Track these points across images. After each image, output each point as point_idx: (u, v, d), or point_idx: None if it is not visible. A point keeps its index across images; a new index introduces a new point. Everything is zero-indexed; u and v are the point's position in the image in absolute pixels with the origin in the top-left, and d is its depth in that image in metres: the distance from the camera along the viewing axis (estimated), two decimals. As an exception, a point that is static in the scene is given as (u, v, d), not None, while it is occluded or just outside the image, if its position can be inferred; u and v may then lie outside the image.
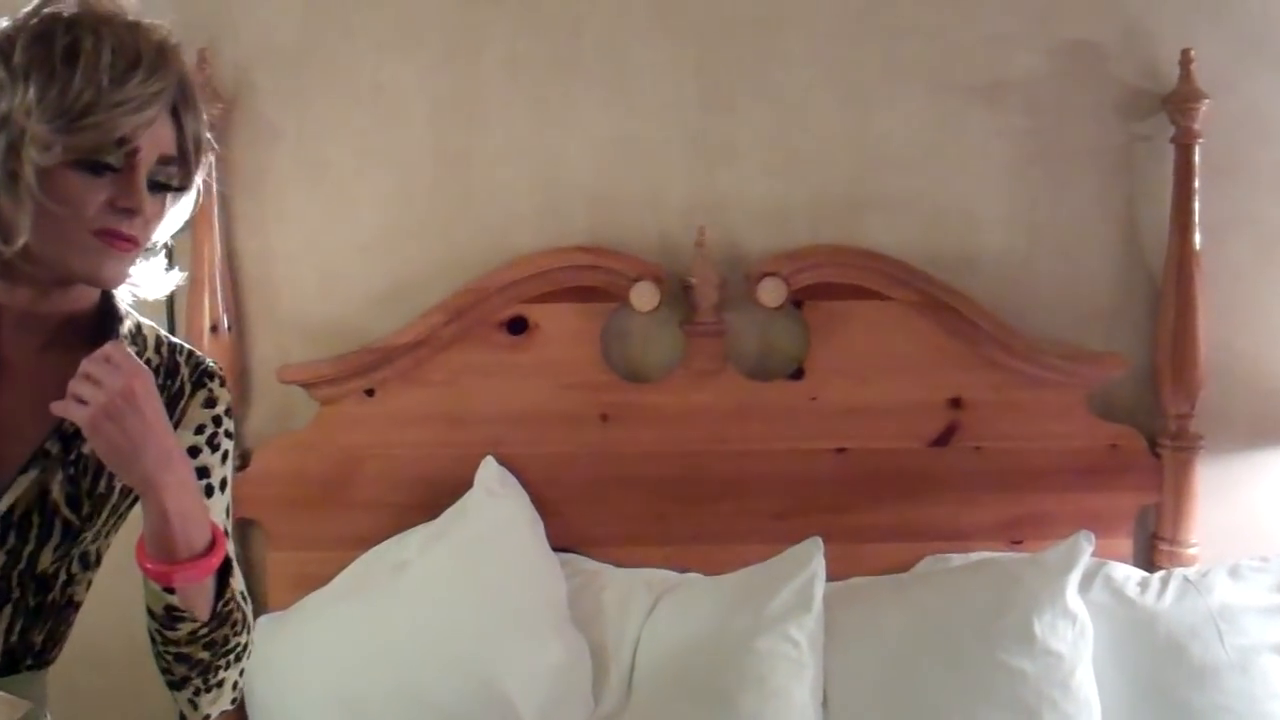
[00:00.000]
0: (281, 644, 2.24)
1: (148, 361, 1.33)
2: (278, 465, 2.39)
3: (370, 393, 2.39)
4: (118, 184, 1.21)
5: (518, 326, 2.40)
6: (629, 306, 2.39)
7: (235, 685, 1.35)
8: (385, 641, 2.18)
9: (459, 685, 2.14)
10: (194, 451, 1.34)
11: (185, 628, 1.26)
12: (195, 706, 1.34)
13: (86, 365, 1.18)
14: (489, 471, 2.36)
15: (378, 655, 2.16)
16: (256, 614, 2.31)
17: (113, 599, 1.51)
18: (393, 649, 2.16)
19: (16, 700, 1.27)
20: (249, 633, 1.35)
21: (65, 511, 1.27)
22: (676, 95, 2.46)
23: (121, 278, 1.28)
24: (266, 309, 2.45)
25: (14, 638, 1.28)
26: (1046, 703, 2.11)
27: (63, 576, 1.31)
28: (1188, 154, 2.40)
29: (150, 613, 1.27)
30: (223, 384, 1.40)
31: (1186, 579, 2.31)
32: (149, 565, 1.22)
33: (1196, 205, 2.40)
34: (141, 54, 1.21)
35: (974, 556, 2.39)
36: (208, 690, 1.32)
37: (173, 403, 1.35)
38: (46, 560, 1.28)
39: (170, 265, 1.39)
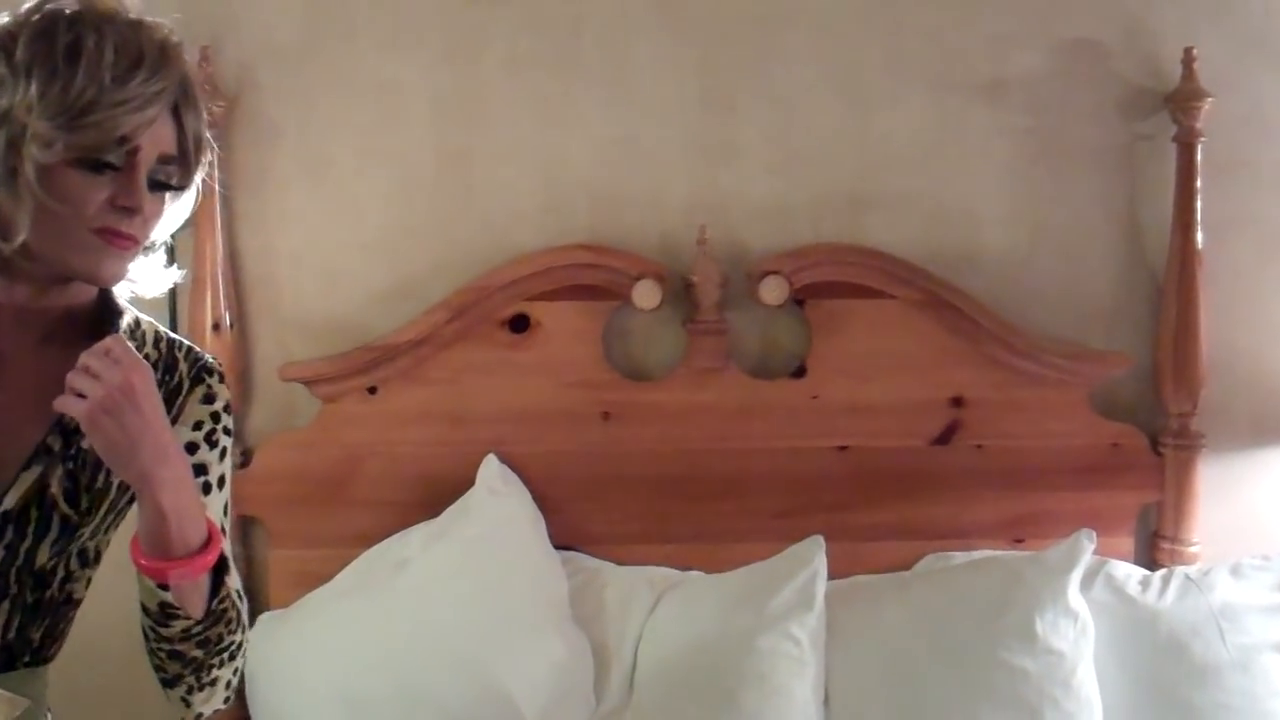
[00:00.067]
0: (283, 642, 2.25)
1: (146, 357, 1.32)
2: (279, 463, 2.39)
3: (372, 391, 2.39)
4: (118, 182, 1.21)
5: (519, 325, 2.40)
6: (631, 305, 2.39)
7: (228, 684, 1.35)
8: (386, 639, 2.17)
9: (460, 683, 2.14)
10: (192, 448, 1.34)
11: (179, 625, 1.25)
12: (188, 705, 1.33)
13: (86, 358, 1.17)
14: (490, 470, 2.36)
15: (379, 653, 2.16)
16: (258, 612, 2.35)
17: (113, 596, 1.51)
18: (394, 647, 2.16)
19: (15, 698, 1.27)
20: (244, 631, 1.34)
21: (63, 507, 1.27)
22: (678, 94, 2.46)
23: (121, 276, 1.28)
24: (268, 307, 2.46)
25: (12, 634, 1.28)
26: (1048, 701, 2.11)
27: (61, 573, 1.31)
28: (1190, 153, 2.40)
29: (144, 609, 1.26)
30: (221, 380, 1.40)
31: (1188, 577, 2.31)
32: (144, 561, 1.21)
33: (1198, 204, 2.40)
34: (144, 53, 1.21)
35: (975, 555, 2.39)
36: (200, 688, 1.32)
37: (171, 399, 1.34)
38: (44, 556, 1.28)
39: (170, 262, 1.39)
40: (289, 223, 2.45)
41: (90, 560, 1.35)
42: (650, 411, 2.42)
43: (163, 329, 1.41)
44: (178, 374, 1.37)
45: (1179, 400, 2.44)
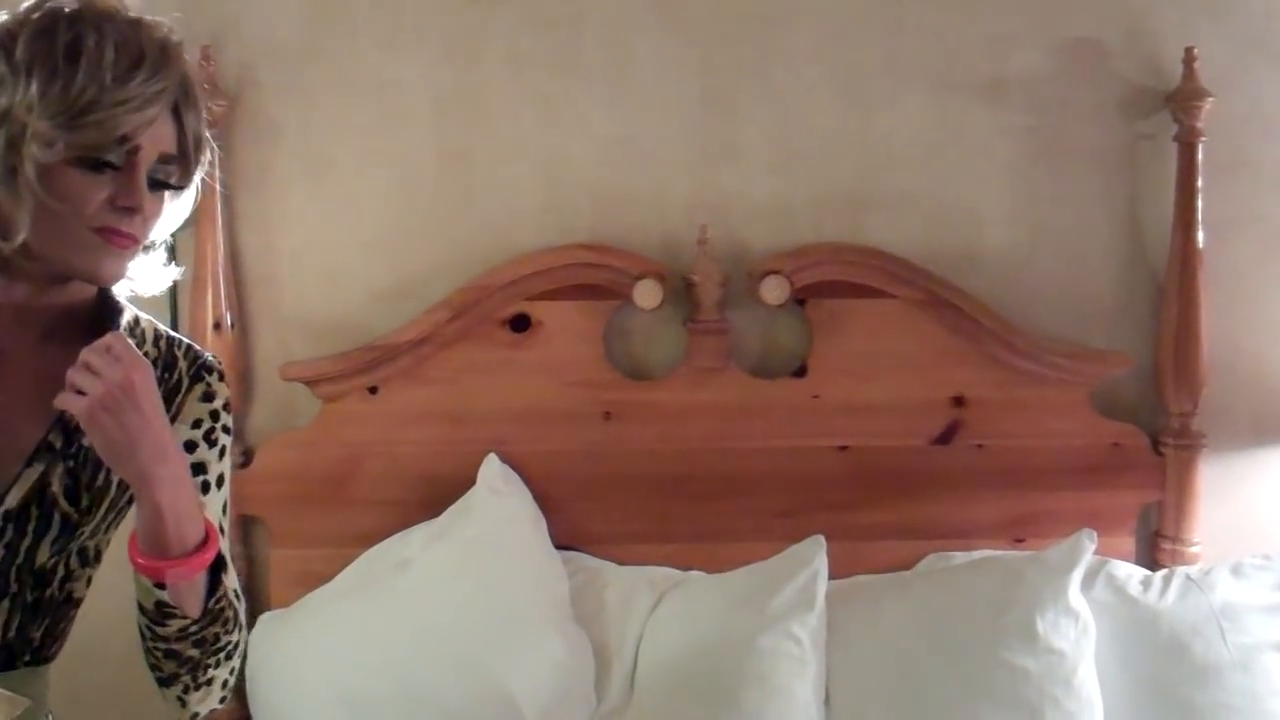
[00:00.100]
0: (284, 641, 2.25)
1: (145, 355, 1.31)
2: (280, 463, 2.39)
3: (373, 390, 2.39)
4: (118, 182, 1.21)
5: (520, 324, 2.40)
6: (632, 304, 2.39)
7: (225, 684, 1.34)
8: (387, 639, 2.17)
9: (461, 683, 2.13)
10: (190, 446, 1.33)
11: (175, 624, 1.25)
12: (183, 704, 1.33)
13: (87, 355, 1.17)
14: (491, 469, 2.36)
15: (380, 653, 2.16)
16: (258, 611, 2.35)
17: (115, 596, 1.50)
18: (395, 646, 2.16)
19: (16, 697, 1.27)
20: (241, 631, 1.34)
21: (64, 505, 1.27)
22: (679, 93, 2.46)
23: (120, 275, 1.27)
24: (269, 306, 2.46)
25: (12, 633, 1.28)
26: (1049, 701, 2.11)
27: (61, 572, 1.30)
28: (1191, 152, 2.40)
29: (141, 608, 1.26)
30: (221, 378, 1.39)
31: (1189, 577, 2.31)
32: (141, 560, 1.21)
33: (1199, 203, 2.40)
34: (145, 52, 1.21)
35: (976, 554, 2.39)
36: (196, 688, 1.31)
37: (169, 397, 1.33)
38: (44, 555, 1.27)
39: (169, 261, 1.39)
40: (290, 222, 2.45)
41: (90, 559, 1.34)
42: (651, 411, 2.42)
43: (162, 327, 1.40)
44: (177, 372, 1.37)
45: (1180, 400, 2.44)
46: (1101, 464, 2.44)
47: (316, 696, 2.16)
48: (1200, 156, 2.40)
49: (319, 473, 2.39)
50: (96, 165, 1.20)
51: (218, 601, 1.27)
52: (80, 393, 1.16)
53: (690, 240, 2.40)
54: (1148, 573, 2.35)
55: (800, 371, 2.44)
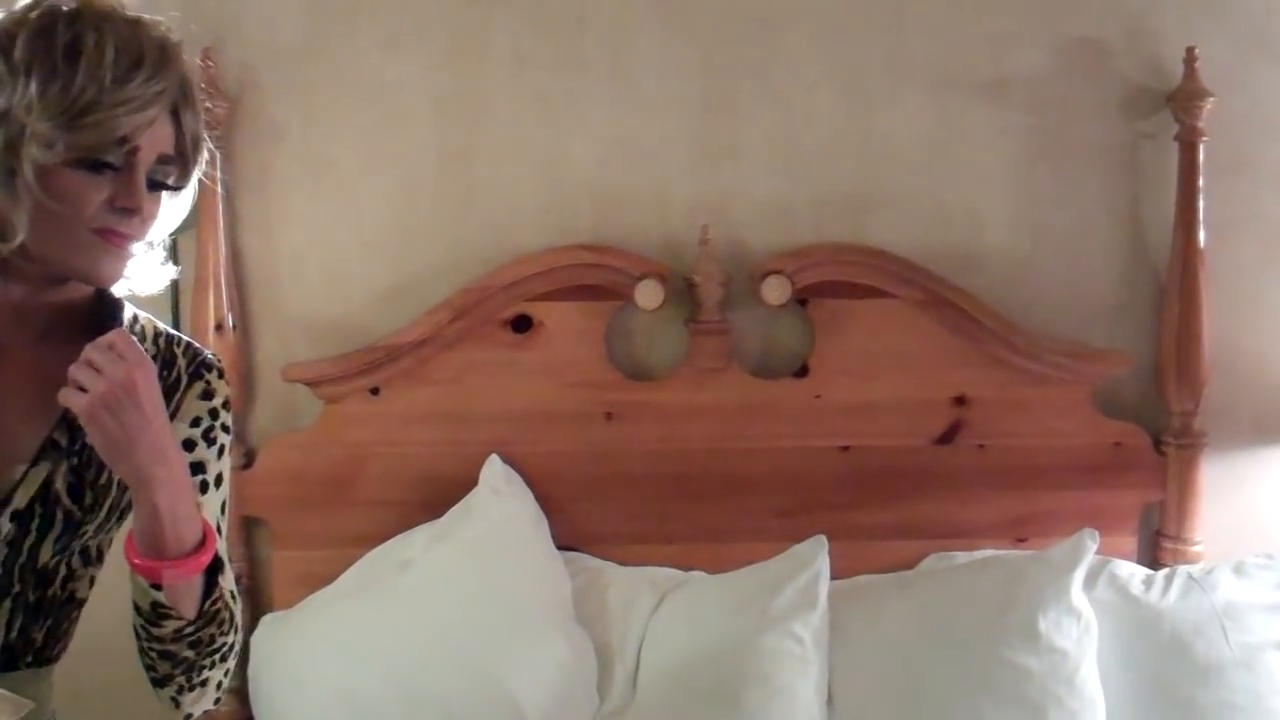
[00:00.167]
0: (286, 643, 2.25)
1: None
2: (282, 464, 2.39)
3: (375, 391, 2.39)
4: (117, 183, 1.21)
5: (522, 325, 2.40)
6: (633, 305, 2.39)
7: (219, 685, 1.34)
8: (390, 640, 2.17)
9: (463, 683, 2.14)
10: (189, 445, 1.33)
11: (170, 625, 1.25)
12: (177, 705, 1.33)
13: (90, 351, 1.17)
14: (493, 470, 2.36)
15: (382, 653, 2.16)
16: (261, 613, 2.35)
17: (119, 596, 1.49)
18: (397, 647, 2.16)
19: (18, 699, 1.27)
20: (236, 633, 1.33)
21: (66, 502, 1.27)
22: (680, 94, 2.46)
23: (119, 275, 1.27)
24: (271, 308, 2.46)
25: (13, 634, 1.28)
26: (1051, 700, 2.11)
27: (63, 571, 1.30)
28: (1192, 151, 2.40)
29: (136, 608, 1.26)
30: (221, 376, 1.39)
31: (1191, 576, 2.31)
32: (137, 561, 1.21)
33: (1201, 203, 2.40)
34: (144, 53, 1.20)
35: (978, 554, 2.39)
36: (191, 689, 1.31)
37: (168, 394, 1.33)
38: (47, 553, 1.27)
39: (167, 260, 1.38)
40: (291, 223, 2.45)
41: (93, 559, 1.34)
42: (653, 411, 2.42)
43: (160, 324, 1.40)
44: (176, 370, 1.36)
45: (1181, 399, 2.43)
46: (1103, 463, 2.44)
47: (319, 697, 2.16)
48: (1201, 156, 2.40)
49: (321, 474, 2.39)
50: (95, 166, 1.19)
51: (213, 603, 1.27)
52: (82, 389, 1.16)
53: (691, 240, 2.40)
54: (1150, 572, 2.35)
55: (802, 372, 2.44)
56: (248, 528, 2.43)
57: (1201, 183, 2.40)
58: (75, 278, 1.27)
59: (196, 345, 1.40)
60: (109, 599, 1.42)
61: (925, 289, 2.41)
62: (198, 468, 1.33)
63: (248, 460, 2.40)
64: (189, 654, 1.28)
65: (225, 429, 1.38)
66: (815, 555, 2.26)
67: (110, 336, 1.18)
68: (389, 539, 2.34)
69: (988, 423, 2.43)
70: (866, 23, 2.46)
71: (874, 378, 2.42)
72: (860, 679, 2.21)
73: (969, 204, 2.49)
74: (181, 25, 1.28)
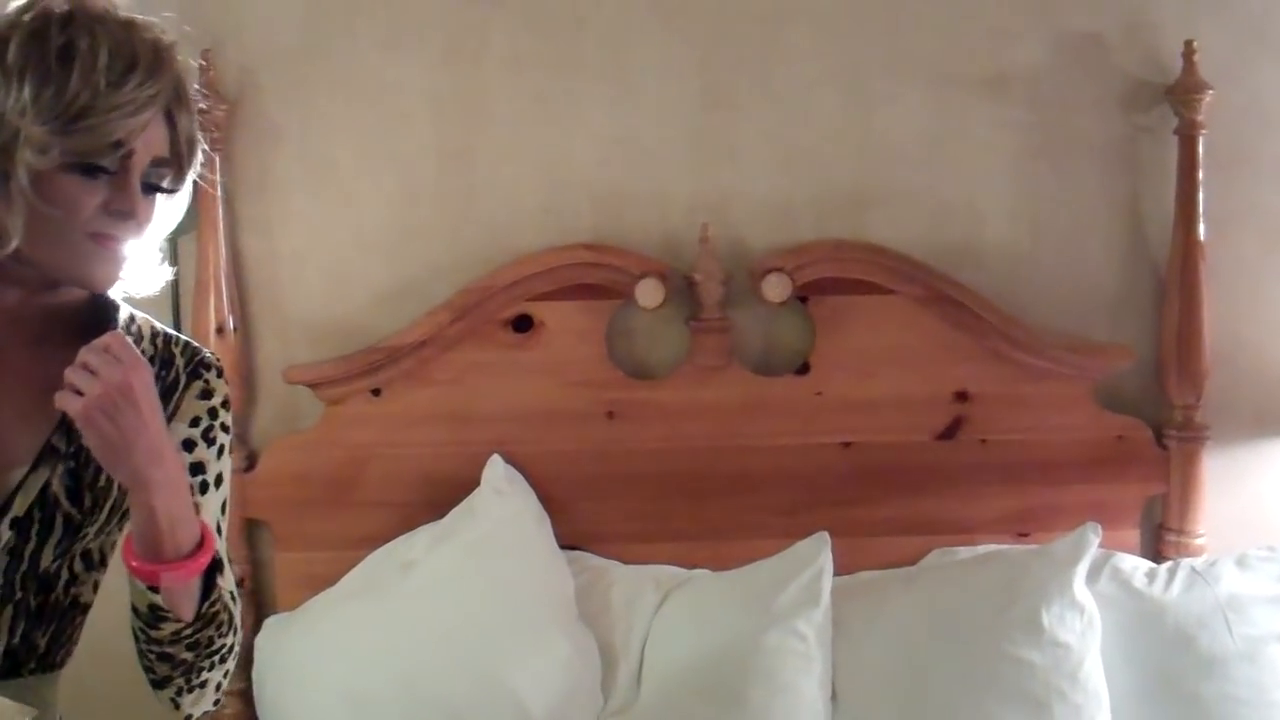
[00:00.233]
0: (290, 644, 2.25)
1: (142, 353, 1.29)
2: (284, 466, 2.39)
3: (376, 392, 2.39)
4: (112, 187, 1.20)
5: (523, 325, 2.41)
6: (634, 303, 2.39)
7: (219, 686, 1.34)
8: (393, 640, 2.18)
9: (467, 683, 2.14)
10: (189, 445, 1.32)
11: (168, 627, 1.24)
12: (177, 706, 1.32)
13: (85, 354, 1.16)
14: (495, 470, 2.36)
15: (386, 654, 2.16)
16: (264, 614, 2.35)
17: (123, 599, 1.50)
18: (401, 648, 2.17)
19: (21, 707, 1.26)
20: (236, 634, 1.33)
21: (66, 505, 1.26)
22: (679, 92, 2.46)
23: (114, 280, 1.26)
24: (272, 310, 2.46)
25: (16, 640, 1.27)
26: (1055, 694, 2.11)
27: (65, 576, 1.30)
28: (1191, 145, 2.40)
29: (134, 610, 1.25)
30: (220, 375, 1.38)
31: (1194, 569, 2.31)
32: (135, 563, 1.20)
33: (1200, 196, 2.40)
34: (138, 55, 1.19)
35: (981, 549, 2.39)
36: (190, 690, 1.31)
37: (167, 394, 1.32)
38: (48, 559, 1.27)
39: (163, 261, 1.37)
40: (291, 225, 2.45)
41: (95, 563, 1.34)
42: (654, 410, 2.42)
43: (158, 325, 1.39)
44: (174, 369, 1.36)
45: (1183, 393, 2.43)
46: (1105, 457, 2.44)
47: (323, 699, 2.17)
48: (1201, 149, 2.39)
49: (323, 475, 2.39)
50: (90, 170, 1.19)
51: (212, 605, 1.26)
52: (78, 392, 1.15)
53: (691, 239, 2.40)
54: (1153, 565, 2.35)
55: (803, 369, 2.44)
56: (250, 530, 2.43)
57: (1201, 176, 2.39)
58: (70, 282, 1.26)
59: (195, 344, 1.39)
60: (112, 602, 1.42)
61: (926, 285, 2.41)
62: (197, 468, 1.32)
63: (250, 462, 2.40)
64: (188, 656, 1.28)
65: (225, 428, 1.37)
66: (818, 552, 2.26)
67: (106, 339, 1.18)
68: (391, 540, 2.34)
69: (989, 418, 2.43)
70: (865, 20, 2.46)
71: (875, 374, 2.42)
72: (864, 675, 2.21)
73: (969, 200, 2.49)
74: (177, 27, 1.27)
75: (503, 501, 2.33)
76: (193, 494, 1.29)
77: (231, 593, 1.31)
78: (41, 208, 1.18)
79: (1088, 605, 2.18)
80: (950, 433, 2.44)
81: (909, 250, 2.42)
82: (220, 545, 1.32)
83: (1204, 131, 2.39)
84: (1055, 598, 2.16)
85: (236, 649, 1.34)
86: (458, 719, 2.12)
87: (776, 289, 2.38)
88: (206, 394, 1.36)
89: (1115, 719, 2.15)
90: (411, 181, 2.45)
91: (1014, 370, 2.43)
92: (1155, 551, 2.47)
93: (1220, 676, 2.18)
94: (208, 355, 1.39)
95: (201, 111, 1.30)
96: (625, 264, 2.38)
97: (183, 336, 1.40)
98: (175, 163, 1.25)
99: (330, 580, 2.31)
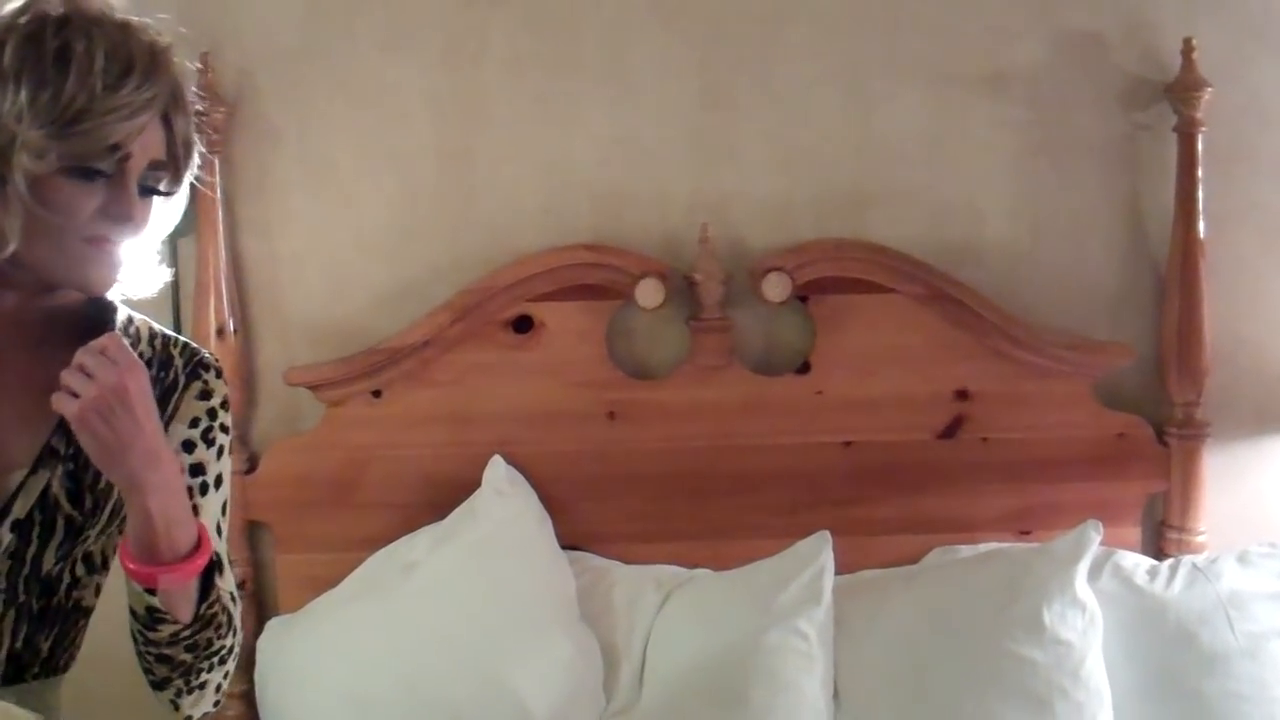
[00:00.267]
0: (292, 646, 2.25)
1: (140, 354, 1.31)
2: (285, 468, 2.39)
3: (377, 394, 2.39)
4: (109, 190, 1.20)
5: (523, 325, 2.41)
6: (634, 304, 2.39)
7: (218, 688, 1.34)
8: (395, 642, 2.18)
9: (470, 684, 2.14)
10: (189, 446, 1.33)
11: (166, 629, 1.24)
12: (176, 707, 1.33)
13: (81, 356, 1.16)
14: (496, 471, 2.36)
15: (388, 656, 2.16)
16: (266, 617, 2.35)
17: (125, 602, 1.51)
18: (403, 649, 2.17)
19: (26, 713, 1.26)
20: (235, 635, 1.33)
21: (67, 507, 1.27)
22: (679, 92, 2.46)
23: (111, 283, 1.26)
24: (272, 312, 2.46)
25: (19, 643, 1.28)
26: (1057, 692, 2.11)
27: (67, 579, 1.30)
28: (1190, 143, 2.40)
29: (132, 612, 1.26)
30: (218, 375, 1.38)
31: (1195, 566, 2.31)
32: (132, 566, 1.21)
33: (1200, 194, 2.39)
34: (134, 59, 1.19)
35: (982, 547, 2.39)
36: (189, 691, 1.31)
37: (166, 396, 1.33)
38: (50, 561, 1.27)
39: (162, 261, 1.37)
40: (291, 227, 2.45)
41: (97, 566, 1.34)
42: (655, 410, 2.42)
43: (156, 325, 1.39)
44: (172, 370, 1.36)
45: (1183, 390, 2.43)
46: (1106, 455, 2.44)
47: (325, 701, 2.17)
48: (1200, 147, 2.39)
49: (324, 477, 2.39)
50: (87, 174, 1.19)
51: (210, 606, 1.26)
52: (74, 394, 1.15)
53: (691, 239, 2.40)
54: (1154, 562, 2.35)
55: (803, 368, 2.44)
56: (251, 532, 2.43)
57: (1200, 174, 2.39)
58: (67, 286, 1.26)
59: (194, 345, 1.40)
60: (114, 606, 1.42)
61: (926, 284, 2.41)
62: (197, 469, 1.33)
63: (251, 464, 2.40)
64: (186, 657, 1.28)
65: (224, 429, 1.37)
66: (819, 551, 2.27)
67: (102, 340, 1.18)
68: (393, 541, 2.34)
69: (990, 416, 2.43)
70: (863, 19, 2.46)
71: (875, 373, 2.42)
72: (866, 674, 2.21)
73: (968, 198, 2.49)
74: (173, 28, 1.27)
75: (504, 502, 2.33)
76: (193, 495, 1.30)
77: (231, 594, 1.32)
78: (39, 212, 1.18)
79: (1089, 603, 2.18)
80: (951, 431, 2.44)
81: (909, 249, 2.42)
82: (220, 546, 1.32)
83: (1203, 129, 2.39)
84: (1057, 596, 2.16)
85: (237, 650, 1.34)
86: (460, 720, 2.12)
87: (777, 289, 2.38)
88: (205, 394, 1.36)
89: (1117, 716, 2.15)
90: (411, 182, 2.45)
91: (1014, 368, 2.42)
92: (1157, 549, 2.47)
93: (1222, 673, 2.18)
94: (206, 356, 1.39)
95: (200, 114, 1.30)
96: (625, 264, 2.38)
97: (181, 337, 1.40)
98: (172, 165, 1.25)
99: (332, 582, 2.31)
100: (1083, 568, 2.19)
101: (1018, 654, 2.14)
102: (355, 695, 2.15)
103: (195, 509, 1.28)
